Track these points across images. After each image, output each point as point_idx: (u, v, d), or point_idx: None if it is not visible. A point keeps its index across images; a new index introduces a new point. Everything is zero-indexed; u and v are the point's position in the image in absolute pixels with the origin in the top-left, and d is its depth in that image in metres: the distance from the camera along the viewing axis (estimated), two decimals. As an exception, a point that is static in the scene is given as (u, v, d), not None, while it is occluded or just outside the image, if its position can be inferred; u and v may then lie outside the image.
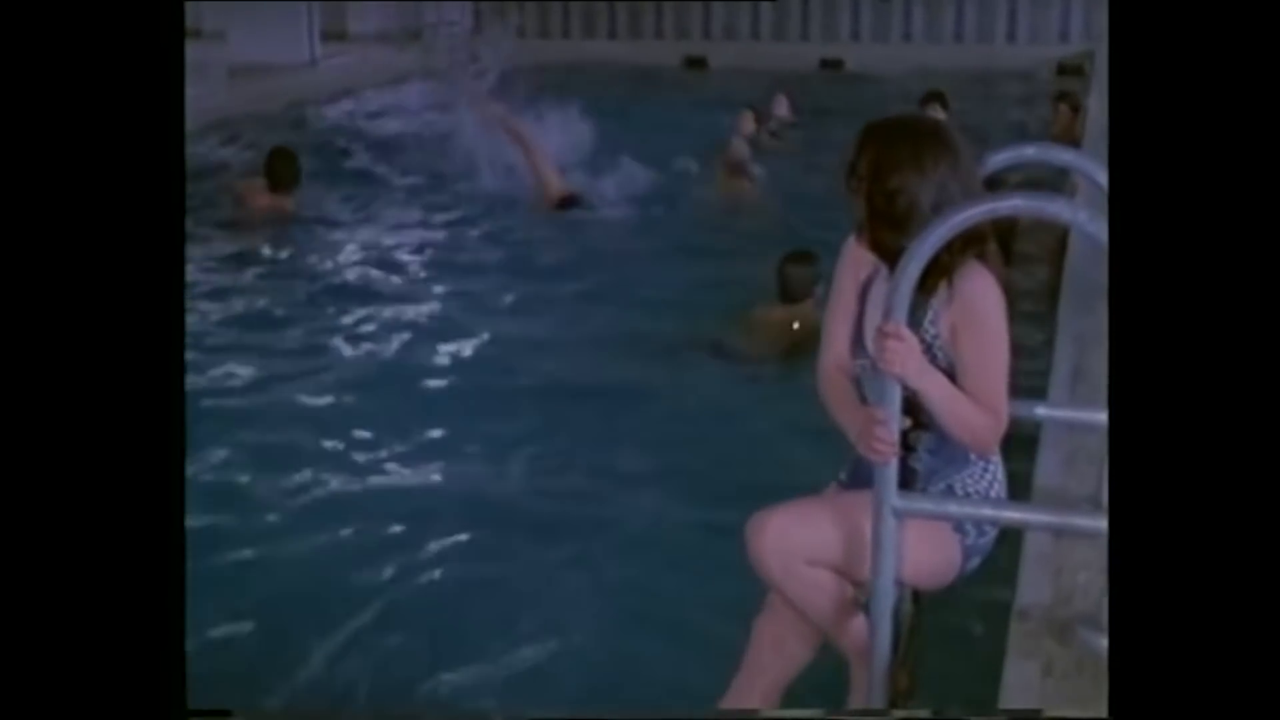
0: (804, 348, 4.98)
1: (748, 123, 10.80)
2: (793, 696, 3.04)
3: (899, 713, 2.81)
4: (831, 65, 14.92)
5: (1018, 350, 2.82)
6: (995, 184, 3.20)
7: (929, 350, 2.74)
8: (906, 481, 2.80)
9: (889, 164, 2.75)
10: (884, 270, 2.81)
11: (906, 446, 2.79)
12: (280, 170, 8.48)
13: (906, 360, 2.63)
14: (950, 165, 2.75)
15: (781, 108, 11.99)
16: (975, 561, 2.90)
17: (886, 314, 2.63)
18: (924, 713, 2.86)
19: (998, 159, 3.20)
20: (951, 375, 2.73)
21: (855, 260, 2.94)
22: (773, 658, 3.03)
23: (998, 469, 2.90)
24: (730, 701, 3.05)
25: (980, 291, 2.74)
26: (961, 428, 2.72)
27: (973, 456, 2.84)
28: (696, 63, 15.50)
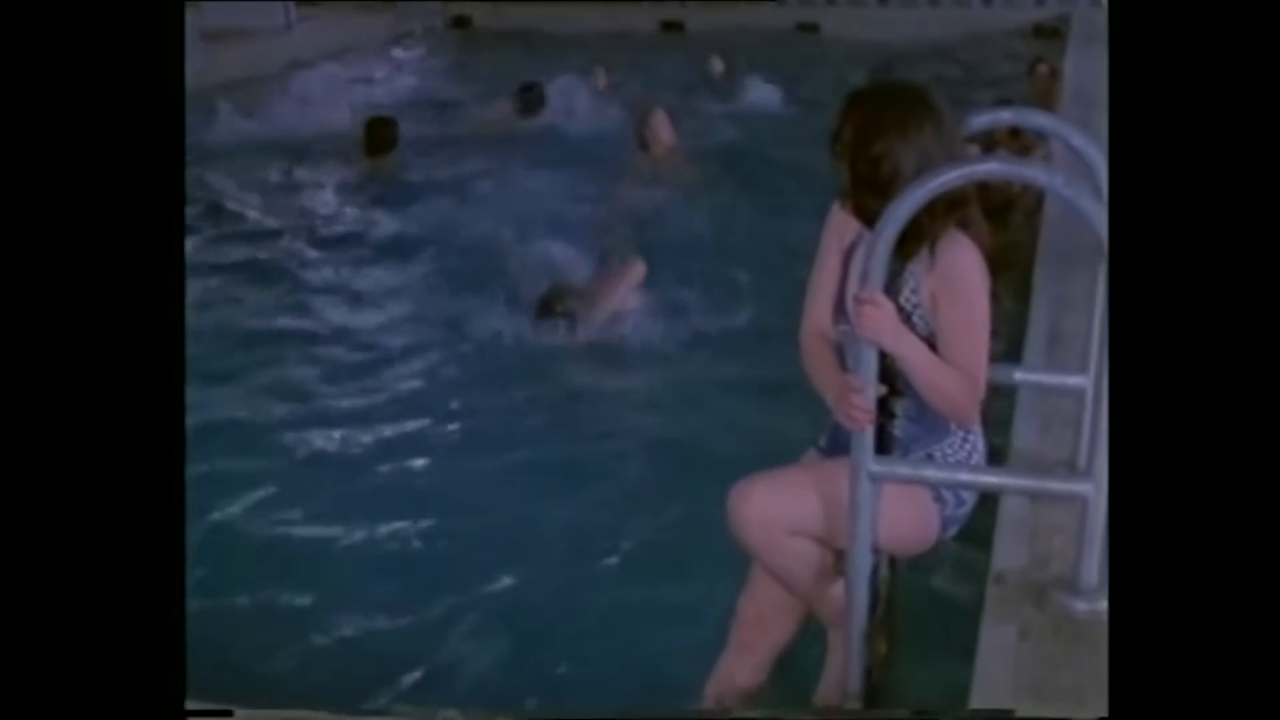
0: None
1: (600, 78, 11.11)
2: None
3: (878, 712, 2.84)
4: (807, 29, 14.86)
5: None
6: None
7: (909, 319, 2.73)
8: (886, 449, 2.80)
9: (873, 130, 2.74)
10: (868, 235, 2.80)
11: (887, 414, 2.80)
12: (378, 136, 8.86)
13: (882, 325, 2.62)
14: (934, 130, 2.74)
15: (717, 66, 12.20)
16: (953, 530, 2.91)
17: (862, 279, 2.63)
18: (901, 713, 2.87)
19: (976, 122, 3.19)
20: (932, 344, 2.73)
21: (839, 226, 2.93)
22: (757, 635, 3.04)
23: (978, 439, 2.91)
24: (717, 681, 3.06)
25: (961, 260, 2.73)
26: (939, 395, 2.72)
27: (953, 426, 2.84)
28: (673, 27, 15.42)
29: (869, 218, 2.75)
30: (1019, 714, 2.45)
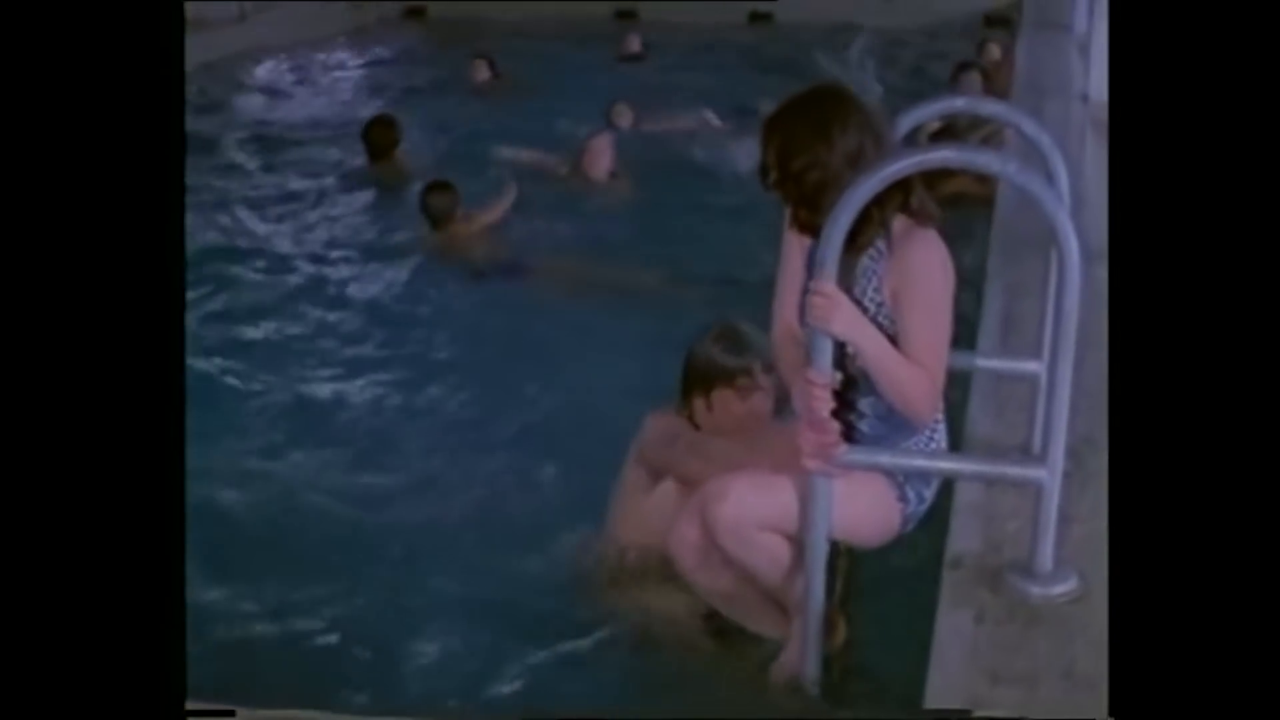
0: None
1: (481, 70, 10.93)
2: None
3: (850, 713, 2.86)
4: (761, 18, 14.87)
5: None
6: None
7: (874, 318, 2.73)
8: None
9: (792, 148, 2.75)
10: None
11: (856, 412, 2.81)
12: (379, 139, 8.19)
13: (830, 314, 2.62)
14: (857, 124, 2.73)
15: (634, 44, 12.42)
16: (910, 526, 2.96)
17: (814, 269, 2.63)
18: (871, 712, 2.89)
19: (928, 110, 3.20)
20: (896, 343, 2.73)
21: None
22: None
23: (942, 436, 2.94)
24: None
25: (926, 257, 2.73)
26: (895, 389, 2.73)
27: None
28: (626, 15, 15.39)
29: (816, 232, 2.75)
30: (976, 695, 2.47)
